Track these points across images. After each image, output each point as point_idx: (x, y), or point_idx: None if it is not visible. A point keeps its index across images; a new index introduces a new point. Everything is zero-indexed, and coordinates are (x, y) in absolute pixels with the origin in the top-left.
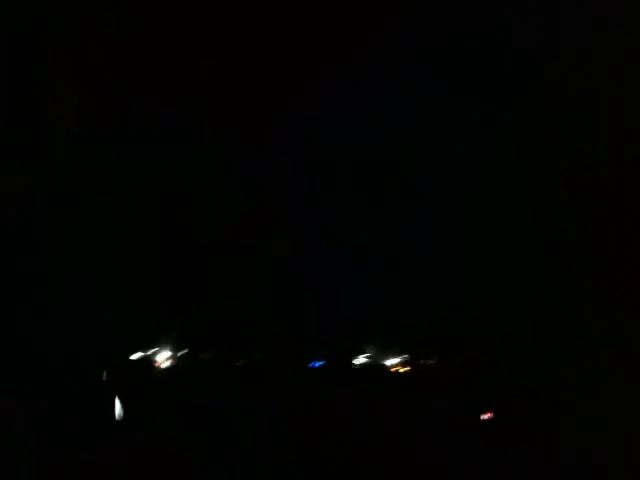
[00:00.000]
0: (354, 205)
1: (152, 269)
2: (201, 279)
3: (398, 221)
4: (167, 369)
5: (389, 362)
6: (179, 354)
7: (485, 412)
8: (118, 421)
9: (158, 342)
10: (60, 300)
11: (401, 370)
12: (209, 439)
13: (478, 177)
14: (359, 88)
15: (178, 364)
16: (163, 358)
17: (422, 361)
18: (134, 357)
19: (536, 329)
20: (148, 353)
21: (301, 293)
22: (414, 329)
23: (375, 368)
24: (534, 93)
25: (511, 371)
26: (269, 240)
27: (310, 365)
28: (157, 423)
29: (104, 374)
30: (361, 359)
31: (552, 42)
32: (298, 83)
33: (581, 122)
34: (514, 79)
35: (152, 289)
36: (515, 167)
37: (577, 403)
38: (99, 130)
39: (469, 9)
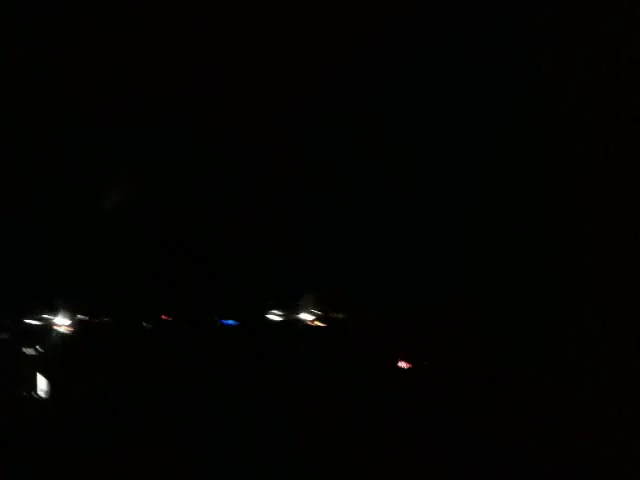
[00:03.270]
0: (354, 205)
1: (152, 269)
2: (201, 279)
3: (398, 221)
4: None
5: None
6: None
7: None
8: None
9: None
10: (60, 300)
11: (317, 324)
12: (209, 439)
13: (478, 177)
14: (359, 88)
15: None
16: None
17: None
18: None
19: (536, 329)
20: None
21: (301, 293)
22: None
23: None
24: (534, 93)
25: (510, 371)
26: (269, 240)
27: (223, 322)
28: (156, 422)
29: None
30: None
31: (552, 42)
32: (298, 83)
33: (581, 122)
34: (514, 79)
35: (152, 289)
36: (515, 167)
37: (577, 403)
38: (99, 130)
39: (469, 9)
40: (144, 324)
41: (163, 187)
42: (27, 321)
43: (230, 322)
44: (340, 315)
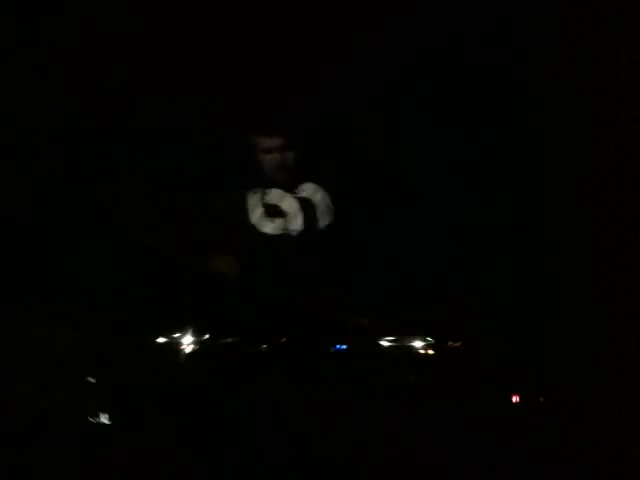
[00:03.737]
0: (354, 205)
1: (152, 269)
2: (201, 279)
3: (398, 221)
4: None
5: (416, 344)
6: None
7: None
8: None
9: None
10: (61, 300)
11: (429, 353)
12: (209, 439)
13: (478, 177)
14: (359, 88)
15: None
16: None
17: (449, 344)
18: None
19: (536, 329)
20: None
21: (301, 293)
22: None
23: (402, 351)
24: (534, 93)
25: (510, 371)
26: (269, 240)
27: (335, 348)
28: (156, 422)
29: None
30: (386, 342)
31: (552, 42)
32: (298, 83)
33: (581, 122)
34: (514, 79)
35: (152, 289)
36: (515, 167)
37: (577, 403)
38: (99, 130)
39: (469, 9)
40: (262, 347)
41: (163, 187)
42: (160, 340)
43: (340, 347)
44: (456, 344)
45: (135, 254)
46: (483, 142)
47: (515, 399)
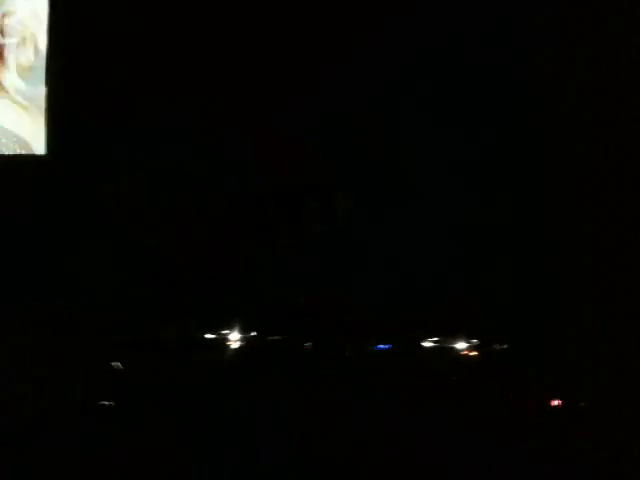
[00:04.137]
0: (354, 205)
1: (152, 269)
2: (201, 280)
3: (398, 221)
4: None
5: (458, 346)
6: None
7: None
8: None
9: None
10: (61, 300)
11: (471, 355)
12: (209, 439)
13: (478, 177)
14: (359, 88)
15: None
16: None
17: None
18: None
19: (536, 329)
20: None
21: (301, 293)
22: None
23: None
24: (534, 93)
25: (510, 370)
26: (269, 240)
27: (377, 348)
28: (156, 422)
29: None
30: (429, 342)
31: (552, 42)
32: (298, 83)
33: (581, 122)
34: (514, 79)
35: (151, 290)
36: (515, 167)
37: (577, 403)
38: (99, 130)
39: (469, 9)
40: (306, 344)
41: (163, 187)
42: (207, 336)
43: (382, 346)
44: (502, 346)
45: (135, 254)
46: (483, 142)
47: (555, 403)
